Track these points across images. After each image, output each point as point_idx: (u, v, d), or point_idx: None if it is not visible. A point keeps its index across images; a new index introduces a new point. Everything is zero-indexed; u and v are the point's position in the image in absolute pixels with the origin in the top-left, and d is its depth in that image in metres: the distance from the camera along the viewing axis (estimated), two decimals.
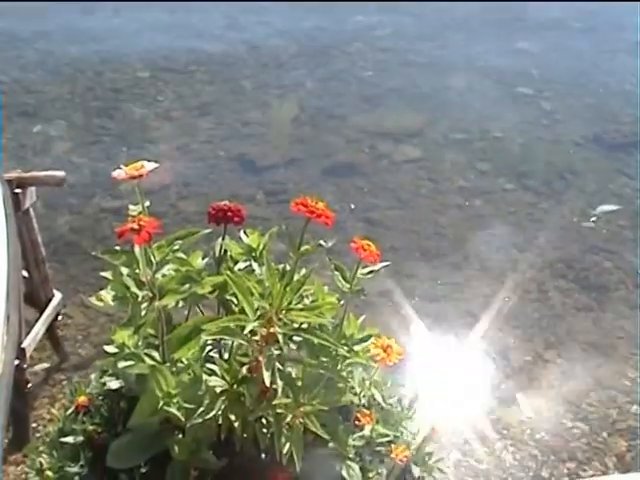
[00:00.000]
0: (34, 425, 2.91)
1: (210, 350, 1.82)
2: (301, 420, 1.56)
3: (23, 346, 2.87)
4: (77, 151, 4.95)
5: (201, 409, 1.58)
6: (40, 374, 3.17)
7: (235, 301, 1.75)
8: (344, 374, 1.70)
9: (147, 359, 1.62)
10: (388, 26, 7.34)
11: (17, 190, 2.84)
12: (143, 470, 1.71)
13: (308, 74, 6.23)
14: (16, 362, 2.35)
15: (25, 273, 3.09)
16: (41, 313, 3.22)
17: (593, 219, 4.44)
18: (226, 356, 1.79)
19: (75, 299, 3.58)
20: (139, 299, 1.62)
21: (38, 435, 2.79)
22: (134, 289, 1.63)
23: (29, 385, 2.98)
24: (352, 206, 4.47)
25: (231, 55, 6.55)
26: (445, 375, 3.30)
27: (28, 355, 2.95)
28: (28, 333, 3.00)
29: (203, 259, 1.83)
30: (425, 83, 6.18)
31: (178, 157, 4.91)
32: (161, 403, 1.59)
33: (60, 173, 3.03)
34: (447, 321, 3.63)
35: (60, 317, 3.43)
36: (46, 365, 3.22)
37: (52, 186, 3.10)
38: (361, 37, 7.07)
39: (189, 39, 6.85)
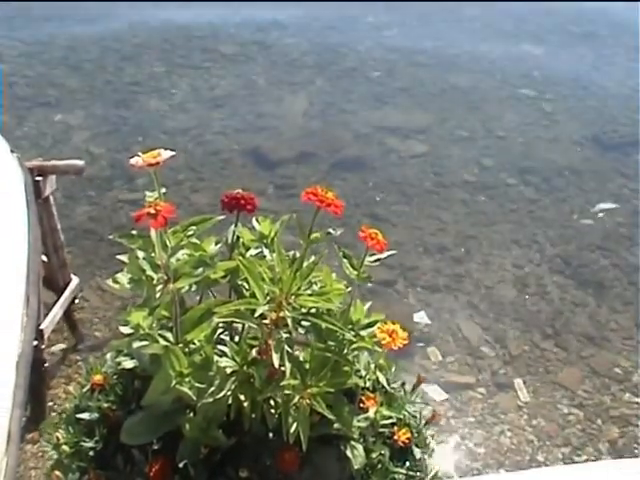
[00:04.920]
0: (50, 403, 2.99)
1: (221, 332, 1.84)
2: (308, 401, 1.59)
3: (41, 327, 2.93)
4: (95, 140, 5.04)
5: (212, 389, 1.62)
6: (57, 354, 3.26)
7: (246, 286, 1.77)
8: (350, 358, 1.72)
9: (161, 340, 1.65)
10: (396, 27, 7.39)
11: (38, 178, 2.91)
12: (155, 447, 1.74)
13: (319, 72, 6.29)
14: (34, 343, 2.39)
15: (44, 258, 3.14)
16: (59, 296, 3.29)
17: (600, 215, 4.51)
18: (237, 338, 1.82)
19: (92, 283, 3.68)
20: (154, 282, 1.65)
21: (54, 413, 2.86)
22: (150, 272, 1.65)
23: (46, 365, 3.05)
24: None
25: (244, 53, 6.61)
26: (445, 362, 3.38)
27: (46, 336, 3.02)
28: (46, 315, 3.06)
29: (216, 245, 1.85)
30: (432, 82, 6.24)
31: (191, 149, 4.99)
32: (173, 382, 1.62)
33: (80, 162, 3.10)
34: (448, 311, 3.72)
35: (77, 301, 3.51)
36: (63, 346, 3.31)
37: (72, 175, 3.16)
38: (370, 37, 7.12)
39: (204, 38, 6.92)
